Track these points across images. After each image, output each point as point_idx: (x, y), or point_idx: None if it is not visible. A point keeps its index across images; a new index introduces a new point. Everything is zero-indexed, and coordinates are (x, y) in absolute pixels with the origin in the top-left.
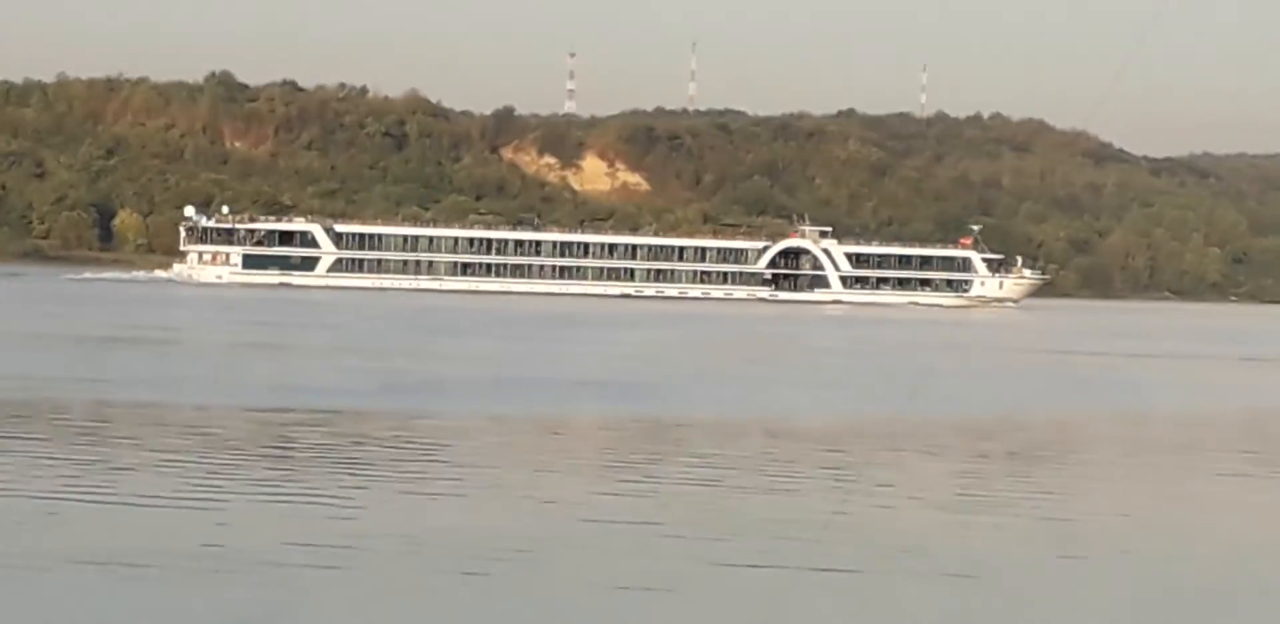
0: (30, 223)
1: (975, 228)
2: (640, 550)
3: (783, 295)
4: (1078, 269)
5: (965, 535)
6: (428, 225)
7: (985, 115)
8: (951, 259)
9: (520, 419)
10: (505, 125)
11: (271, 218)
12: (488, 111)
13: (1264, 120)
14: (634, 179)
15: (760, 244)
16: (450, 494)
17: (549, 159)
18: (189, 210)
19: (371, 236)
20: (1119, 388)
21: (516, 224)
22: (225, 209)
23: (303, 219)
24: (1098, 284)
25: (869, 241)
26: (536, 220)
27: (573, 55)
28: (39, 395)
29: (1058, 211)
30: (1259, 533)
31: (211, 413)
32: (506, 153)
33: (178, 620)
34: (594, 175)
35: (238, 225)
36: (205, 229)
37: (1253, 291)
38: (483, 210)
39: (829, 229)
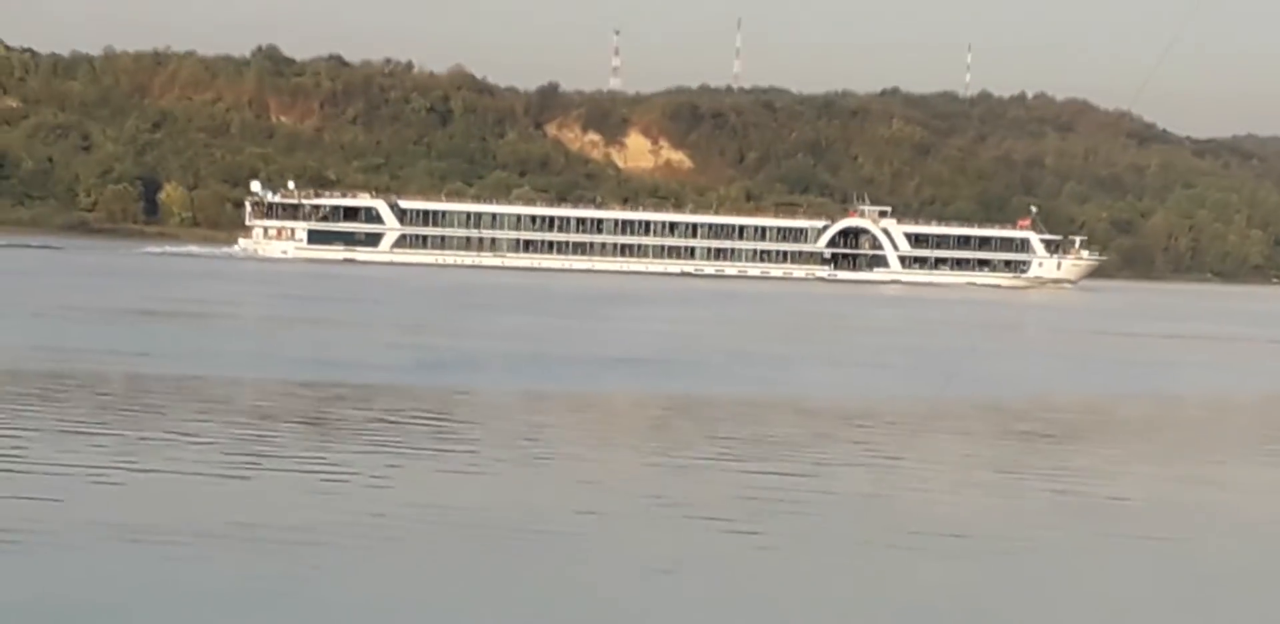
0: (76, 196)
1: (1034, 208)
2: (668, 530)
3: (842, 275)
4: (1120, 250)
5: (984, 514)
6: (490, 202)
7: (1029, 95)
8: (1010, 240)
9: (549, 396)
10: (549, 102)
11: (337, 193)
12: (532, 88)
13: None
14: (677, 156)
15: (820, 223)
16: (469, 471)
17: (593, 136)
18: (255, 185)
19: (435, 213)
20: (1157, 369)
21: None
22: (290, 184)
23: (367, 195)
24: (1140, 265)
25: (915, 220)
26: (598, 198)
27: (617, 32)
28: (67, 366)
29: (1101, 192)
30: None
31: (245, 386)
32: (551, 129)
33: (205, 593)
34: (638, 152)
35: (303, 200)
36: (271, 204)
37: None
38: (526, 186)
39: (888, 209)
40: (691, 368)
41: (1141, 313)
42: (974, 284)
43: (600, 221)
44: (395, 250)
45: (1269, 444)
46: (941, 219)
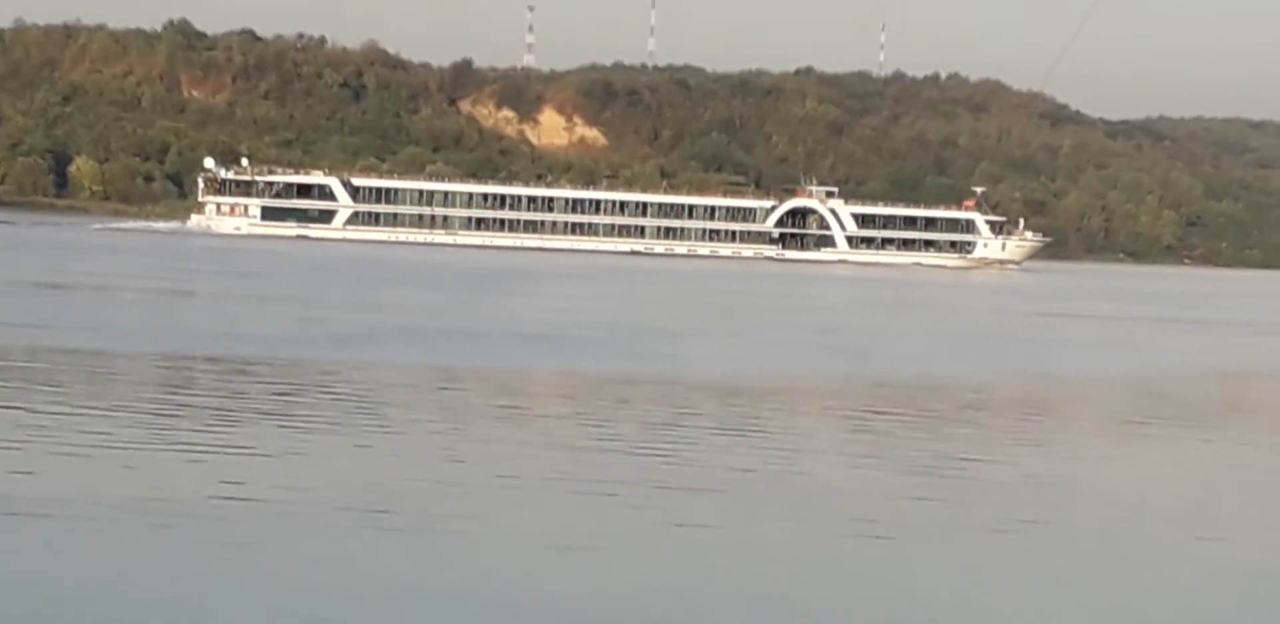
0: None
1: (978, 190)
2: (552, 507)
3: (790, 255)
4: (1033, 230)
5: (856, 489)
6: (443, 180)
7: (943, 75)
8: (955, 221)
9: (434, 369)
10: (463, 78)
11: (290, 170)
12: (446, 64)
13: (1219, 83)
14: (592, 134)
15: (768, 203)
16: (337, 441)
17: (507, 112)
18: (208, 162)
19: (387, 191)
20: (1065, 349)
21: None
22: (244, 161)
23: (320, 172)
24: (1053, 245)
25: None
26: (548, 176)
27: (531, 9)
28: None
29: (1014, 172)
30: (1142, 491)
31: (140, 361)
32: (464, 106)
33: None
34: (552, 129)
35: (256, 177)
36: (224, 181)
37: (1206, 255)
38: (440, 162)
39: (835, 189)
40: (584, 344)
41: (1075, 293)
42: (920, 264)
43: (551, 200)
44: (348, 227)
45: (1147, 422)
46: (856, 198)
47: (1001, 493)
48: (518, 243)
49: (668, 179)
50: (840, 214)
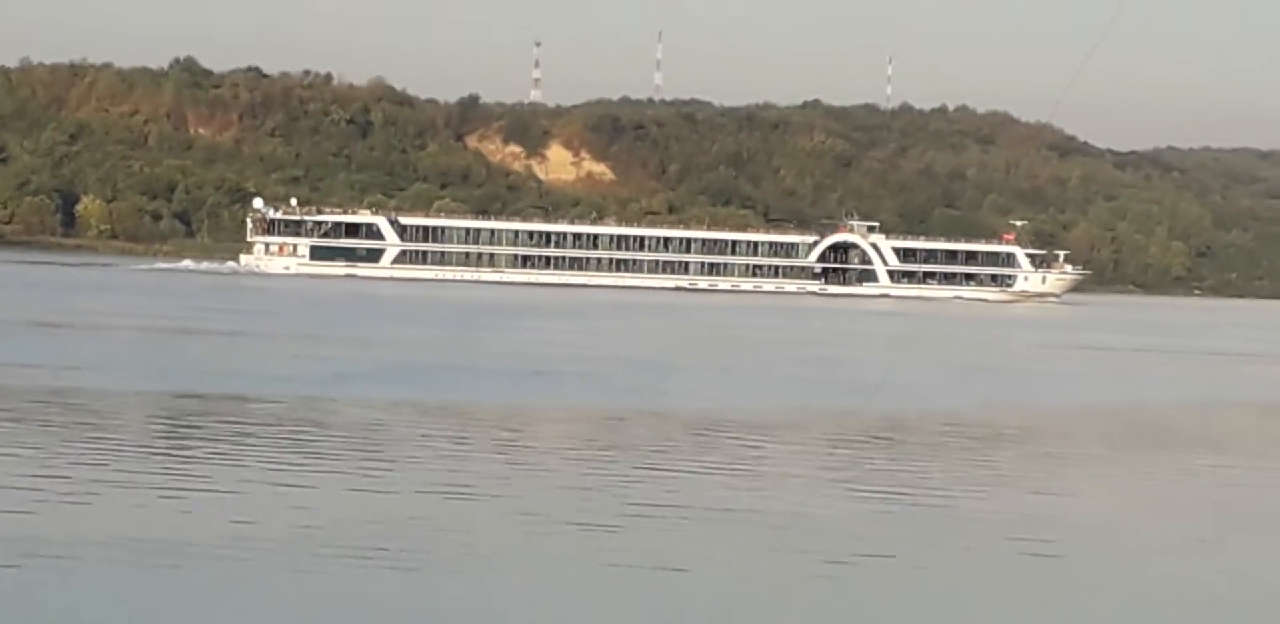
0: None
1: (1018, 223)
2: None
3: (832, 289)
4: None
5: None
6: (490, 218)
7: (950, 107)
8: (996, 254)
9: (414, 406)
10: (470, 114)
11: (338, 210)
12: (453, 100)
13: (1228, 114)
14: (599, 168)
15: (811, 238)
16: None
17: (514, 148)
18: (257, 202)
19: (435, 229)
20: (1089, 383)
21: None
22: (293, 201)
23: (368, 212)
24: None
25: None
26: (594, 215)
27: (538, 44)
28: None
29: (1022, 204)
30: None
31: (131, 398)
32: (471, 141)
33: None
34: (559, 164)
35: (305, 217)
36: (273, 220)
37: (1216, 286)
38: (447, 198)
39: (876, 224)
40: (580, 378)
41: (1115, 326)
42: (961, 298)
43: (596, 237)
44: (396, 266)
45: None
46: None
47: (992, 526)
48: (563, 280)
49: (676, 213)
50: (881, 248)
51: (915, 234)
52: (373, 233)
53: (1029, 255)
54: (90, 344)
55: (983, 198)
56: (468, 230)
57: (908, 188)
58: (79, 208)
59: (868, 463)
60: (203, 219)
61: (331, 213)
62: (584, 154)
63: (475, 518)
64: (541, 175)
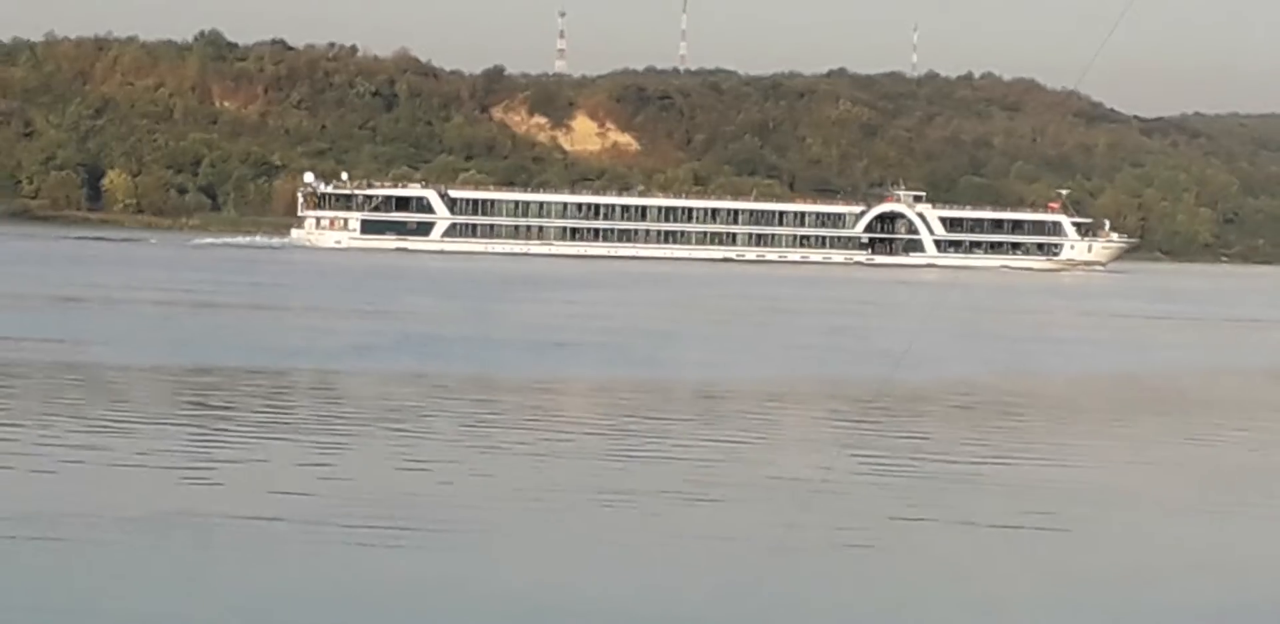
0: (19, 182)
1: (1063, 191)
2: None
3: (879, 259)
4: None
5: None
6: (539, 191)
7: (976, 75)
8: (1042, 223)
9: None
10: (495, 85)
11: (388, 183)
12: (478, 71)
13: (1255, 80)
14: (624, 139)
15: (858, 208)
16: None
17: (539, 119)
18: (308, 176)
19: (484, 202)
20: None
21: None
22: (344, 176)
23: (418, 185)
24: None
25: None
26: (639, 187)
27: (563, 14)
28: None
29: (1049, 172)
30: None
31: (149, 372)
32: (496, 112)
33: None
34: (584, 135)
35: (356, 191)
36: (323, 195)
37: (1244, 252)
38: (473, 170)
39: (923, 194)
40: (600, 349)
41: (1149, 294)
42: (1008, 267)
43: (644, 209)
44: (446, 239)
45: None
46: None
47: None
48: (612, 252)
49: (702, 184)
50: (928, 218)
51: (943, 202)
52: (423, 206)
53: (1075, 224)
54: (119, 318)
55: (1009, 165)
56: (517, 203)
57: (934, 156)
58: (105, 182)
59: (881, 432)
60: (228, 192)
61: (382, 186)
62: (609, 125)
63: (491, 492)
64: (567, 146)
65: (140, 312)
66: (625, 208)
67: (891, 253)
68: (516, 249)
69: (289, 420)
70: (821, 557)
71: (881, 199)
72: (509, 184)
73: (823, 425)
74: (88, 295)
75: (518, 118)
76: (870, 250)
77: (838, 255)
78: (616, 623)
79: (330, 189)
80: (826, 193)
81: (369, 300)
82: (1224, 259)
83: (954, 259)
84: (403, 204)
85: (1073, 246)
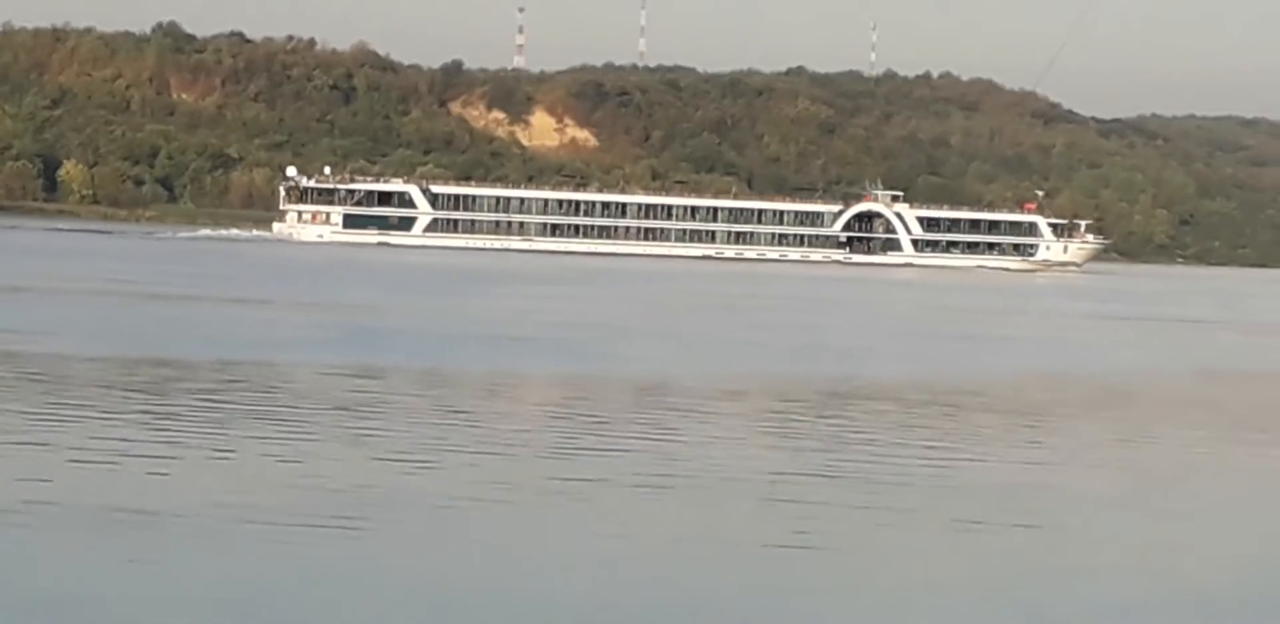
0: None
1: (1040, 193)
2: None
3: (857, 258)
4: None
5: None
6: (520, 187)
7: (934, 74)
8: (1018, 224)
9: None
10: (454, 79)
11: (370, 178)
12: (436, 65)
13: (1212, 81)
14: (582, 135)
15: (836, 207)
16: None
17: (497, 114)
18: (290, 170)
19: (465, 198)
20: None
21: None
22: (326, 169)
23: (400, 180)
24: None
25: (823, 200)
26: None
27: (522, 10)
28: None
29: (1006, 172)
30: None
31: (97, 363)
32: (455, 107)
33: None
34: (542, 131)
35: (338, 186)
36: (305, 189)
37: (1199, 254)
38: (431, 164)
39: (900, 193)
40: (554, 345)
41: (1107, 295)
42: (984, 267)
43: (625, 206)
44: (428, 234)
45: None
46: (848, 198)
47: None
48: (592, 248)
49: (659, 180)
50: (905, 217)
51: (905, 202)
52: (405, 201)
53: (1051, 225)
54: (68, 308)
55: (967, 165)
56: (498, 199)
57: (891, 155)
58: (61, 173)
59: (820, 429)
60: (185, 184)
61: (363, 181)
62: (567, 120)
63: (439, 486)
64: (525, 141)
65: (100, 303)
66: (606, 205)
67: (869, 252)
68: (497, 244)
69: (234, 412)
70: (759, 553)
71: (859, 198)
72: (466, 178)
73: (761, 422)
74: (39, 286)
75: (476, 112)
76: (848, 249)
77: (816, 254)
78: (563, 615)
79: (312, 183)
80: (801, 191)
81: (331, 293)
82: (1180, 260)
83: (931, 259)
84: (385, 199)
85: (1048, 247)
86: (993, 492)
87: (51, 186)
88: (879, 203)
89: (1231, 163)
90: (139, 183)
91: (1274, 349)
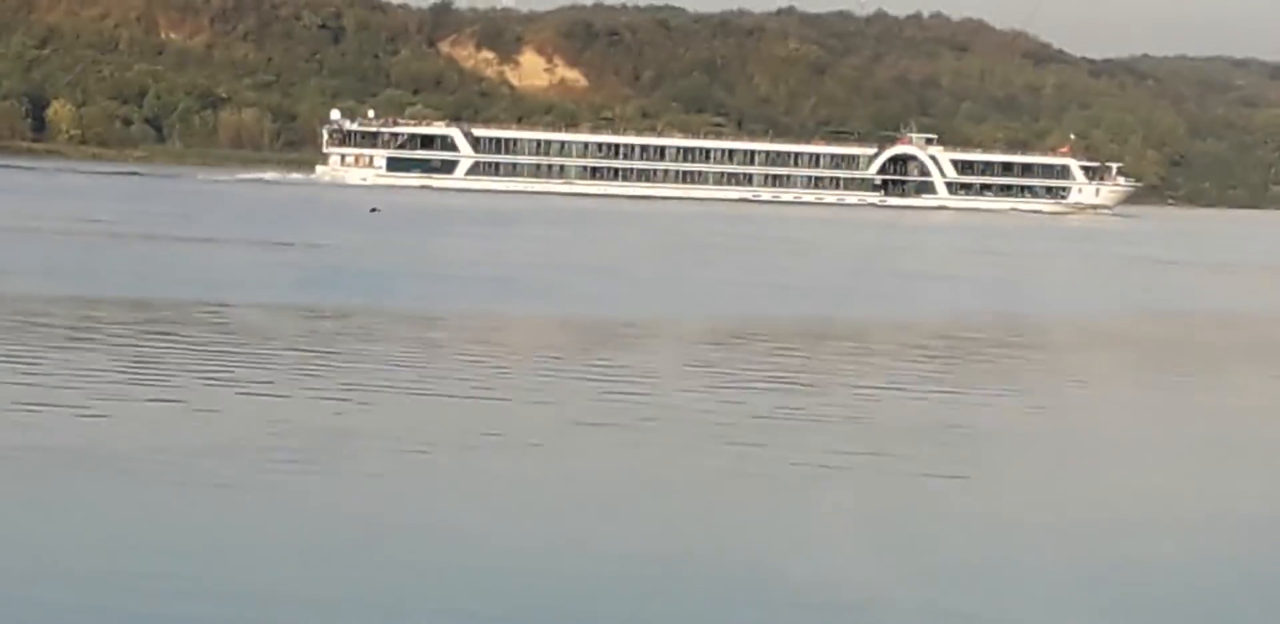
0: None
1: (1073, 136)
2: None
3: (892, 201)
4: None
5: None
6: (562, 130)
7: (925, 14)
8: (1051, 166)
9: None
10: (443, 19)
11: (413, 121)
12: (425, 5)
13: (1203, 21)
14: (572, 75)
15: (871, 150)
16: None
17: (487, 54)
18: (334, 113)
19: (507, 141)
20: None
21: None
22: (371, 113)
23: (443, 124)
24: None
25: (818, 141)
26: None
27: None
28: None
29: (996, 112)
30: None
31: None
32: (444, 47)
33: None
34: (532, 71)
35: (382, 129)
36: (349, 132)
37: (1190, 195)
38: (420, 105)
39: (934, 136)
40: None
41: (1161, 239)
42: (1017, 210)
43: (663, 149)
44: (469, 178)
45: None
46: (839, 138)
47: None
48: (630, 192)
49: (650, 120)
50: (940, 161)
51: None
52: (447, 144)
53: (1084, 167)
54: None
55: (957, 106)
56: (538, 142)
57: (882, 95)
58: (49, 112)
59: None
60: (174, 124)
61: (406, 125)
62: (557, 60)
63: (413, 427)
64: (514, 82)
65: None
66: (644, 148)
67: (904, 195)
68: (538, 187)
69: (191, 353)
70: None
71: (894, 141)
72: (456, 118)
73: (732, 362)
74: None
75: (465, 52)
76: (883, 192)
77: (851, 197)
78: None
79: (356, 126)
80: (840, 135)
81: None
82: (1170, 202)
83: (965, 201)
84: (428, 142)
85: (1080, 190)
86: (911, 431)
87: (40, 126)
88: (914, 146)
89: (1222, 103)
90: (127, 123)
91: None
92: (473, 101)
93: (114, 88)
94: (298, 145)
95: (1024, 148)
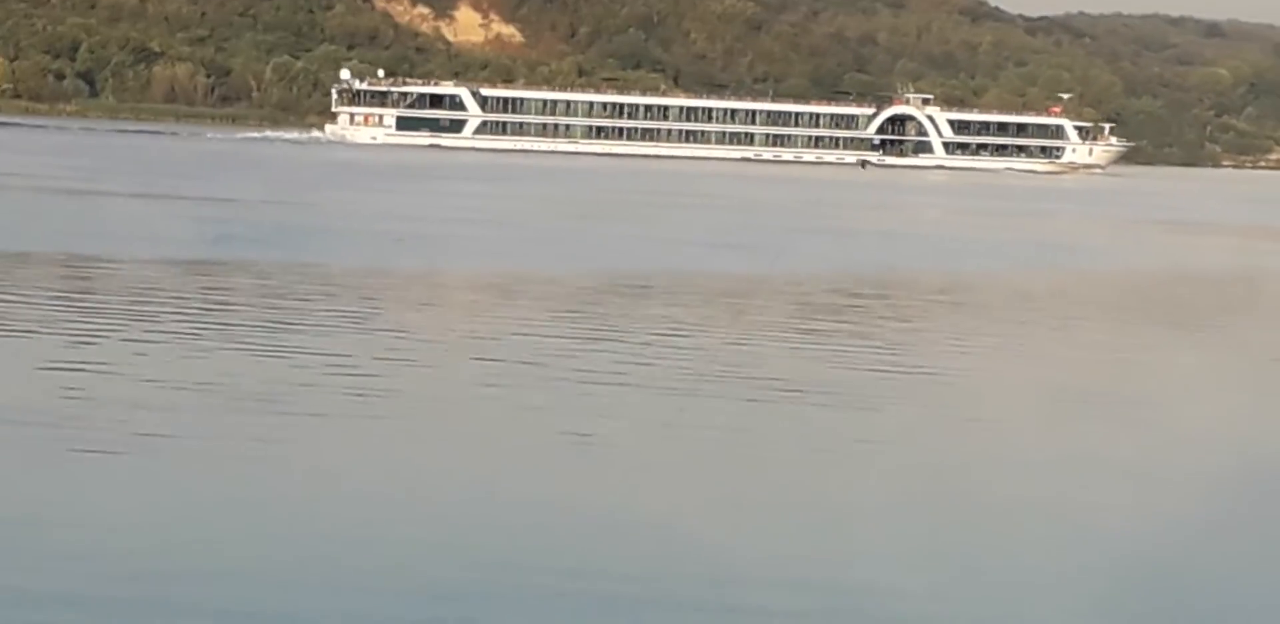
0: None
1: (1065, 95)
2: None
3: (890, 160)
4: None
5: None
6: (569, 90)
7: None
8: (1046, 126)
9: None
10: None
11: (421, 81)
12: None
13: None
14: (508, 31)
15: (869, 110)
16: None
17: (422, 9)
18: (344, 73)
19: (514, 100)
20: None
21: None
22: (380, 73)
23: (451, 83)
24: None
25: (749, 97)
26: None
27: None
28: None
29: (933, 70)
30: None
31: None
32: (379, 2)
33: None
34: (468, 26)
35: (391, 88)
36: (358, 91)
37: (1127, 153)
38: (355, 60)
39: (931, 96)
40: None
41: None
42: (1012, 169)
43: (667, 109)
44: (477, 137)
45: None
46: (776, 95)
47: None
48: (634, 151)
49: (585, 77)
50: (937, 120)
51: (826, 99)
52: (455, 104)
53: (1077, 128)
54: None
55: (893, 63)
56: (545, 102)
57: (818, 52)
58: None
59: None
60: (107, 78)
61: (415, 84)
62: (493, 16)
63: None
64: (450, 37)
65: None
66: (648, 107)
67: (902, 155)
68: (544, 146)
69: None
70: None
71: (891, 101)
72: (391, 74)
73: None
74: None
75: (400, 8)
76: (881, 152)
77: (850, 156)
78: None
79: (365, 86)
80: (838, 95)
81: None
82: None
83: (961, 161)
84: (436, 101)
85: (1074, 150)
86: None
87: None
88: (911, 105)
89: (1158, 61)
90: (60, 77)
91: None
92: (408, 57)
93: (46, 42)
94: (231, 100)
95: (960, 105)
